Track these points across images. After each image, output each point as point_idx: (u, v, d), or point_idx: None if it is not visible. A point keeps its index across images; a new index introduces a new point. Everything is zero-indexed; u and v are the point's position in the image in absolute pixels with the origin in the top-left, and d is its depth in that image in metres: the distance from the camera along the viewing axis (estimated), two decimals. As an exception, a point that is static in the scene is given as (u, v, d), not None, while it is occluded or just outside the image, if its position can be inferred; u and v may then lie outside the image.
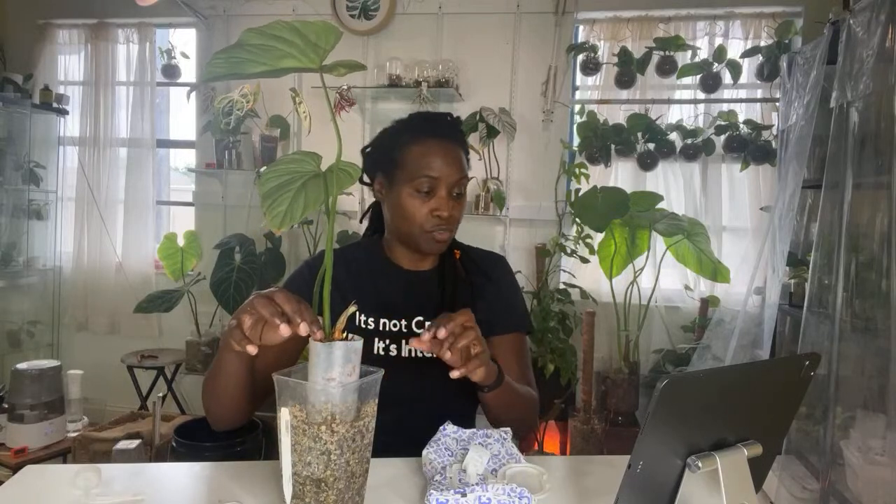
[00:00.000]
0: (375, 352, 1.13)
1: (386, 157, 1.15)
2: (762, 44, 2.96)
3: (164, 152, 3.82)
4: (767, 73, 2.87)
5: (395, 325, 1.15)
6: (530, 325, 1.29)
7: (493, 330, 1.21)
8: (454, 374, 0.91)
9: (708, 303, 3.00)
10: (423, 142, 1.12)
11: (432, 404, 1.11)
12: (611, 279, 2.93)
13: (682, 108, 3.14)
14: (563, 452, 2.93)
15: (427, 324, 1.16)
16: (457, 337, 0.90)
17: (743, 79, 2.94)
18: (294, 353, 1.13)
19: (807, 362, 0.74)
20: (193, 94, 3.49)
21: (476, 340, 0.92)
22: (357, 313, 1.14)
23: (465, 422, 1.06)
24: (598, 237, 2.98)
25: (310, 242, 3.25)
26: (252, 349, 0.80)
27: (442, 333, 0.88)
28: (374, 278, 1.19)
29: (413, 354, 1.14)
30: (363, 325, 1.15)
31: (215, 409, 1.02)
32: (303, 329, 0.77)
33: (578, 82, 3.29)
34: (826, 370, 1.98)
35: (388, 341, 1.13)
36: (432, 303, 1.18)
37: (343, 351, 0.75)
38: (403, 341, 1.14)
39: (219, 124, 3.17)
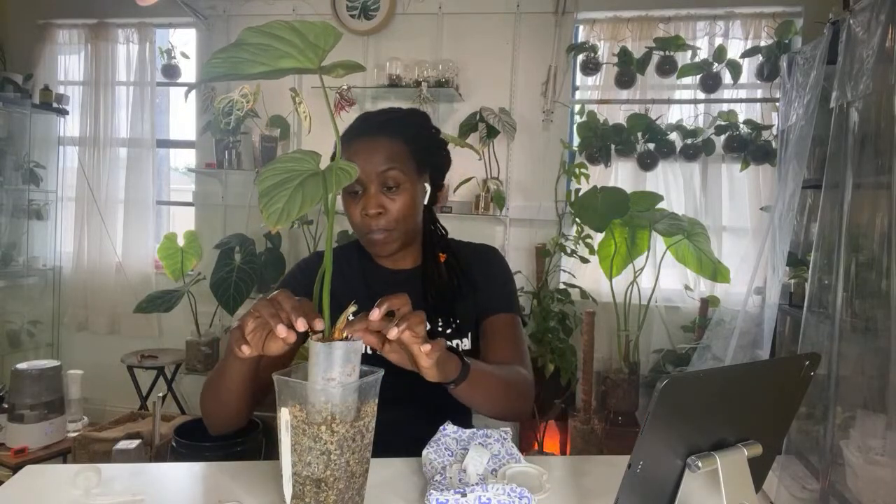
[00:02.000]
0: (365, 351, 1.13)
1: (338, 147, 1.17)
2: (762, 44, 2.96)
3: (164, 152, 3.82)
4: (767, 73, 2.87)
5: None
6: (521, 312, 1.27)
7: (483, 311, 1.19)
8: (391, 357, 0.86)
9: (708, 303, 3.00)
10: (348, 143, 1.12)
11: (428, 403, 1.10)
12: (611, 279, 2.93)
13: (682, 108, 3.14)
14: (563, 452, 2.93)
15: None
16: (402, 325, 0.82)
17: (743, 79, 2.94)
18: (293, 353, 1.13)
19: (807, 362, 0.74)
20: (192, 94, 3.49)
21: (419, 327, 0.83)
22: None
23: (463, 420, 1.06)
24: (598, 237, 2.98)
25: (310, 242, 3.25)
26: (247, 349, 0.81)
27: (374, 314, 0.81)
28: (362, 279, 1.20)
29: None
30: None
31: (214, 413, 1.02)
32: (300, 325, 0.77)
33: (578, 82, 3.29)
34: (826, 370, 1.98)
35: None
36: (417, 302, 1.16)
37: (343, 351, 0.75)
38: None
39: (219, 124, 3.17)
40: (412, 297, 1.13)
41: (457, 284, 1.19)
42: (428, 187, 1.18)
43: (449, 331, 1.17)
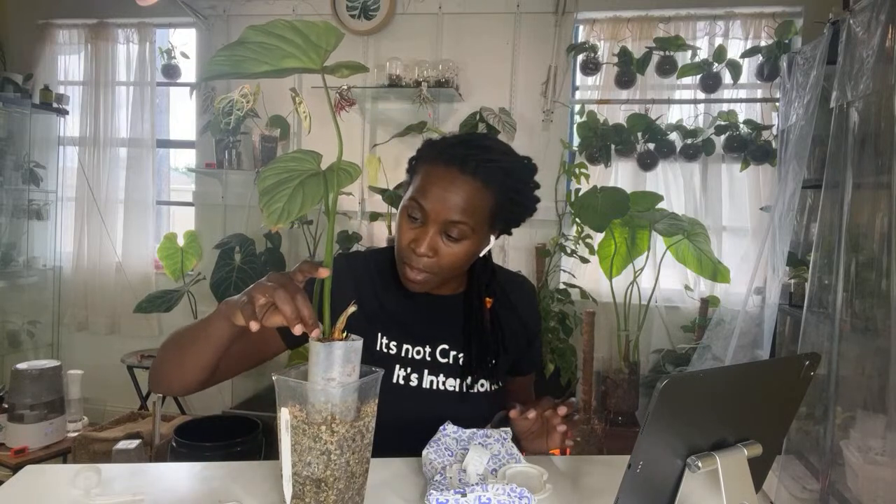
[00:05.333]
0: (395, 380, 1.05)
1: (412, 163, 1.06)
2: (762, 44, 2.96)
3: (164, 152, 3.82)
4: (767, 73, 2.87)
5: (417, 353, 1.07)
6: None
7: (518, 371, 1.22)
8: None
9: (708, 303, 3.00)
10: (436, 165, 0.98)
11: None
12: (611, 279, 2.93)
13: (682, 108, 3.14)
14: (563, 452, 2.93)
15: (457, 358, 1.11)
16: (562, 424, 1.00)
17: (743, 79, 2.94)
18: (264, 355, 1.07)
19: (807, 362, 0.74)
20: (193, 93, 3.49)
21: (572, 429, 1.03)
22: (379, 335, 1.07)
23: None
24: (598, 237, 2.98)
25: (310, 242, 3.25)
26: (255, 326, 0.78)
27: (562, 411, 0.99)
28: (398, 296, 1.08)
29: (434, 387, 1.07)
30: (384, 349, 1.06)
31: (172, 367, 0.96)
32: (299, 330, 0.76)
33: (578, 82, 3.29)
34: (826, 370, 1.98)
35: (409, 369, 1.06)
36: (456, 329, 1.10)
37: (343, 351, 0.75)
38: (426, 370, 1.07)
39: (219, 124, 3.17)
40: (450, 326, 1.10)
41: (501, 339, 1.11)
42: (493, 240, 1.04)
43: (486, 370, 1.11)
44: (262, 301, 0.78)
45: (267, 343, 1.04)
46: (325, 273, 0.78)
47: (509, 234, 1.09)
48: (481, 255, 1.05)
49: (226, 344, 0.90)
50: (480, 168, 0.96)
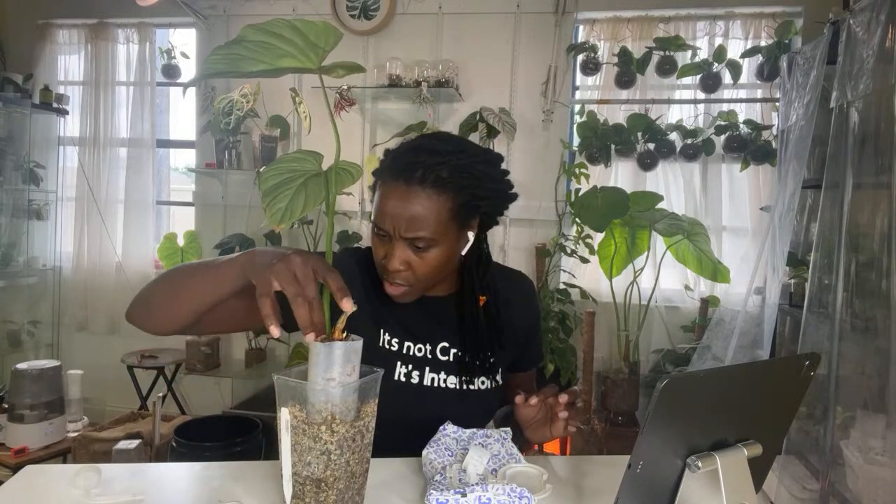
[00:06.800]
0: (396, 377, 1.05)
1: (375, 176, 1.03)
2: (762, 44, 2.96)
3: (164, 152, 3.82)
4: (767, 73, 2.87)
5: (419, 350, 1.08)
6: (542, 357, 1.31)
7: (518, 367, 1.22)
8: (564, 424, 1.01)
9: (708, 303, 3.00)
10: (388, 180, 0.97)
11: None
12: (611, 279, 2.93)
13: (682, 108, 3.14)
14: (563, 452, 2.93)
15: (450, 350, 1.11)
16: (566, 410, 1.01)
17: (743, 79, 2.94)
18: (254, 322, 1.00)
19: (807, 362, 0.74)
20: (192, 93, 3.50)
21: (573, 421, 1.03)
22: (381, 332, 1.07)
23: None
24: (598, 237, 2.98)
25: (310, 242, 3.25)
26: (312, 336, 0.75)
27: (564, 399, 1.00)
28: (387, 296, 1.07)
29: (435, 384, 1.07)
30: (386, 346, 1.07)
31: (164, 300, 0.91)
32: (310, 336, 0.74)
33: (578, 82, 3.29)
34: (826, 370, 1.98)
35: (410, 367, 1.07)
36: (454, 327, 1.11)
37: (343, 351, 0.75)
38: (427, 368, 1.08)
39: (219, 124, 3.17)
40: (449, 324, 1.10)
41: (497, 336, 1.11)
42: (471, 236, 1.03)
43: (484, 367, 1.11)
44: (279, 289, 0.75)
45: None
46: (349, 308, 0.76)
47: (495, 223, 1.10)
48: (464, 253, 1.04)
49: (228, 294, 0.86)
50: (429, 175, 0.94)
